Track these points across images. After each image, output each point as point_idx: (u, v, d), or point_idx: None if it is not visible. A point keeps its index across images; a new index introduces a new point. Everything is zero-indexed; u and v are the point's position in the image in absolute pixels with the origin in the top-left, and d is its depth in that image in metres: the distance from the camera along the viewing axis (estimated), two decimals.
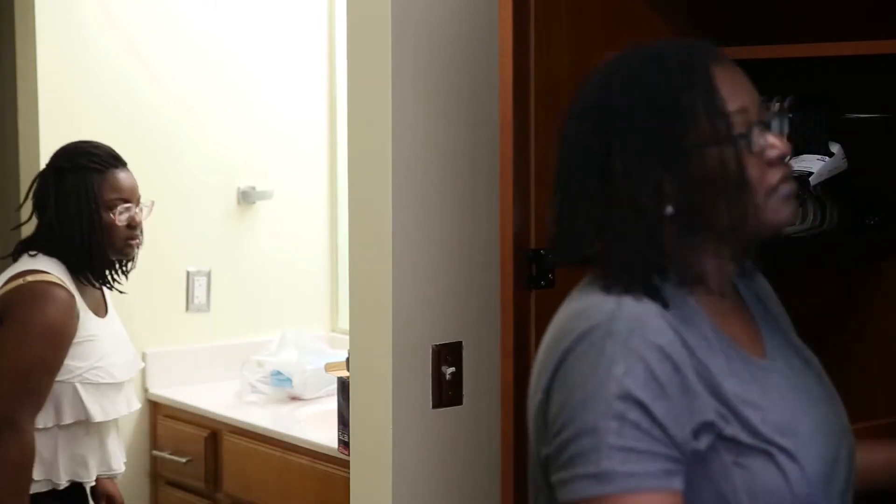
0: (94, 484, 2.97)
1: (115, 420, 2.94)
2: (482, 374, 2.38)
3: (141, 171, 3.73)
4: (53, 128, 3.58)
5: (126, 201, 2.91)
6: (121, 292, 2.97)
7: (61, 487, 2.84)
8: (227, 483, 3.57)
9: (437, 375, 2.36)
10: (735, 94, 1.48)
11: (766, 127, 1.51)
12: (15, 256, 2.90)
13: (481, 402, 2.39)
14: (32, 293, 2.77)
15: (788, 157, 1.52)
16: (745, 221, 1.46)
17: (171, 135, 3.85)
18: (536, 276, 2.14)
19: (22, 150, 3.72)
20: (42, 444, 2.78)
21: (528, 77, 2.10)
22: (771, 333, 1.58)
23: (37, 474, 2.78)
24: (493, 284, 2.17)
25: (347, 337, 2.52)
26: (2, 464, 2.70)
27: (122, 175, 2.93)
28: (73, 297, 2.81)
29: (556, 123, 2.19)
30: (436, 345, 2.35)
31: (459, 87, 2.36)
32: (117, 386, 2.90)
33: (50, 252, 2.85)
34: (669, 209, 1.45)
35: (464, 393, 2.39)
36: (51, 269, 2.82)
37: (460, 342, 2.38)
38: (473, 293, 2.39)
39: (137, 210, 2.93)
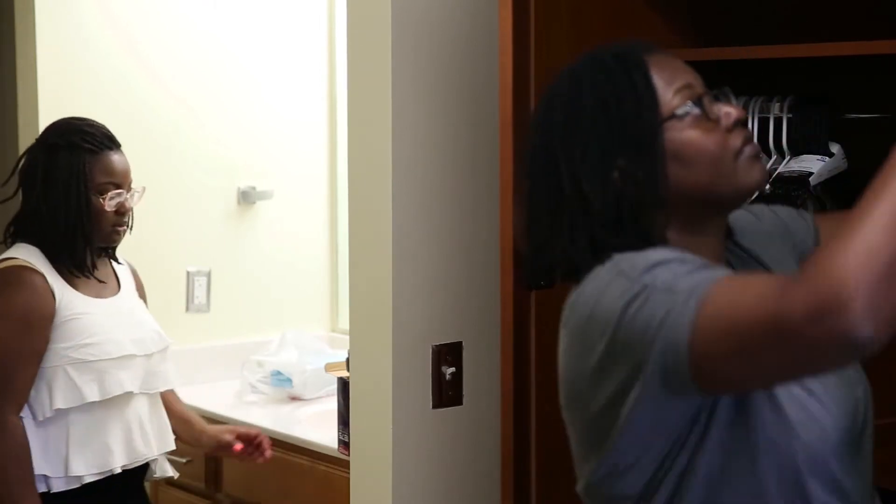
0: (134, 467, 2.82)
1: (146, 398, 2.82)
2: (482, 374, 2.38)
3: (141, 170, 3.73)
4: None
5: (118, 186, 2.78)
6: (100, 281, 2.81)
7: (88, 481, 2.73)
8: (227, 483, 3.57)
9: (437, 375, 2.35)
10: (676, 73, 1.52)
11: (717, 99, 1.54)
12: (5, 241, 2.82)
13: (481, 402, 2.39)
14: (1, 281, 2.68)
15: (746, 121, 1.56)
16: (716, 187, 1.49)
17: (171, 135, 3.85)
18: None
19: (22, 149, 3.71)
20: (50, 437, 2.70)
21: (527, 77, 2.10)
22: None
23: (53, 470, 2.70)
24: (493, 284, 2.17)
25: (347, 337, 2.52)
26: None
27: (115, 158, 2.80)
28: (44, 278, 2.70)
29: None
30: (436, 345, 2.35)
31: (459, 87, 2.36)
32: (119, 361, 2.76)
33: (31, 236, 2.76)
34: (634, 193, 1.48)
35: (464, 393, 2.39)
36: (23, 255, 2.72)
37: (460, 342, 2.38)
38: (473, 293, 2.39)
39: (128, 196, 2.81)
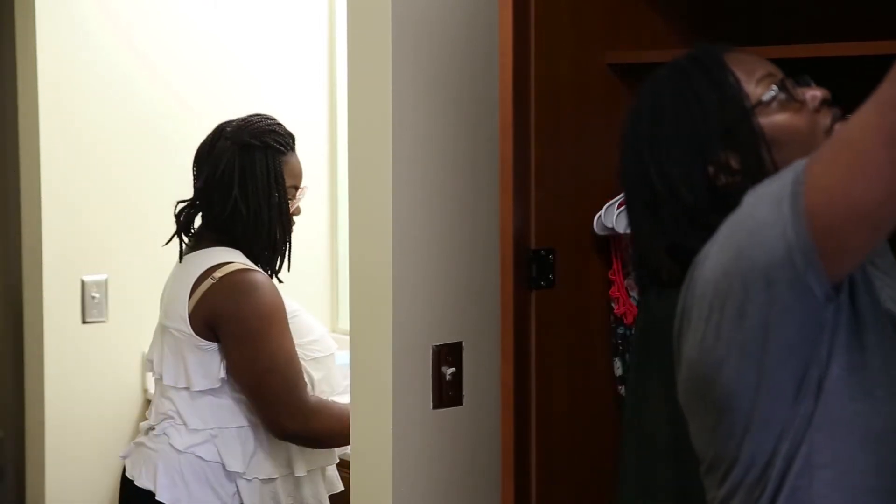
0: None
1: None
2: (482, 374, 2.38)
3: (141, 170, 3.73)
4: (53, 127, 3.58)
5: (297, 188, 2.81)
6: (280, 281, 2.84)
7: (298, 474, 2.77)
8: None
9: (438, 376, 2.35)
10: (756, 65, 1.59)
11: (798, 84, 1.59)
12: (189, 236, 2.78)
13: (482, 402, 2.39)
14: (242, 288, 2.66)
15: (831, 100, 1.59)
16: None
17: (171, 134, 3.85)
18: (537, 276, 2.14)
19: (22, 149, 3.72)
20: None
21: (528, 77, 2.10)
22: None
23: (273, 469, 2.73)
24: (493, 285, 2.17)
25: (348, 337, 2.52)
26: (332, 439, 2.70)
27: (296, 159, 2.80)
28: (267, 277, 2.73)
29: (557, 123, 2.19)
30: (436, 345, 2.35)
31: (460, 87, 2.36)
32: (333, 358, 2.84)
33: (222, 237, 2.73)
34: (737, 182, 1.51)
35: (464, 393, 2.39)
36: (237, 259, 2.70)
37: (461, 342, 2.38)
38: (474, 293, 2.39)
39: (300, 195, 2.83)
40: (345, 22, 2.42)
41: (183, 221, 2.80)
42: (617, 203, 2.18)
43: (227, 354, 2.66)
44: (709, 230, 1.47)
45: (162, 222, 3.52)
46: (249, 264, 2.71)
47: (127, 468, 2.77)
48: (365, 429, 2.39)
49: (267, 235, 2.74)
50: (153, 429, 2.74)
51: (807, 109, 1.56)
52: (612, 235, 2.24)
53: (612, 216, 2.19)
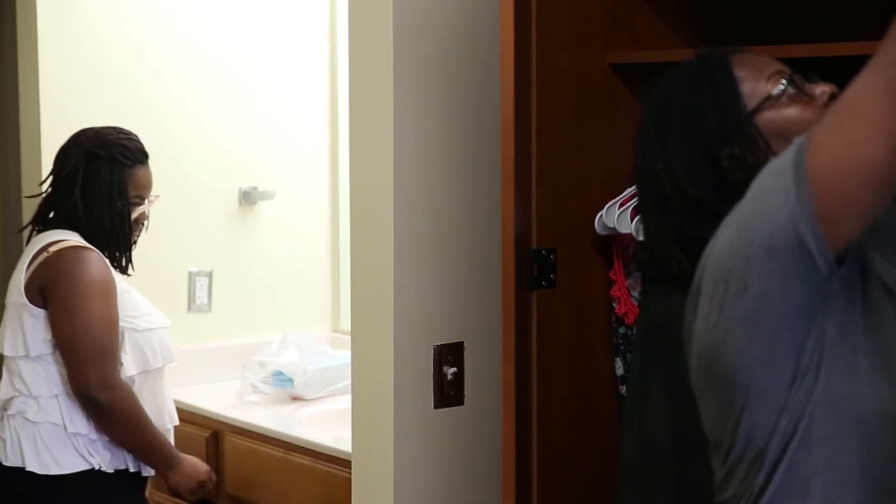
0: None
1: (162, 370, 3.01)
2: (484, 374, 2.38)
3: None
4: (55, 127, 3.58)
5: (143, 198, 2.97)
6: (129, 275, 2.99)
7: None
8: (229, 483, 3.57)
9: (439, 376, 2.36)
10: (765, 63, 1.64)
11: (807, 80, 1.65)
12: (36, 227, 2.95)
13: (483, 402, 2.39)
14: (71, 259, 2.81)
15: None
16: None
17: (173, 135, 3.85)
18: (538, 276, 2.14)
19: (23, 149, 3.72)
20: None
21: (529, 77, 2.10)
22: None
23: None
24: (494, 284, 2.17)
25: (349, 337, 2.52)
26: (125, 423, 2.81)
27: (143, 172, 2.98)
28: (100, 255, 2.86)
29: (558, 123, 2.20)
30: (437, 345, 2.35)
31: (461, 87, 2.36)
32: (165, 331, 2.97)
33: (69, 226, 2.89)
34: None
35: (465, 393, 2.39)
36: (73, 238, 2.86)
37: (462, 342, 2.38)
38: (475, 293, 2.39)
39: (147, 204, 2.99)
40: (346, 22, 2.42)
41: (37, 212, 2.99)
42: (618, 203, 2.18)
43: (50, 318, 2.81)
44: (718, 218, 1.48)
45: (162, 221, 3.52)
46: (83, 243, 2.86)
47: None
48: (366, 428, 2.39)
49: (107, 236, 2.91)
50: (6, 409, 2.86)
51: (815, 104, 1.61)
52: (614, 235, 2.24)
53: (614, 216, 2.19)
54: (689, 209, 1.61)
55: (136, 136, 3.02)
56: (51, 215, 2.95)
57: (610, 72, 2.22)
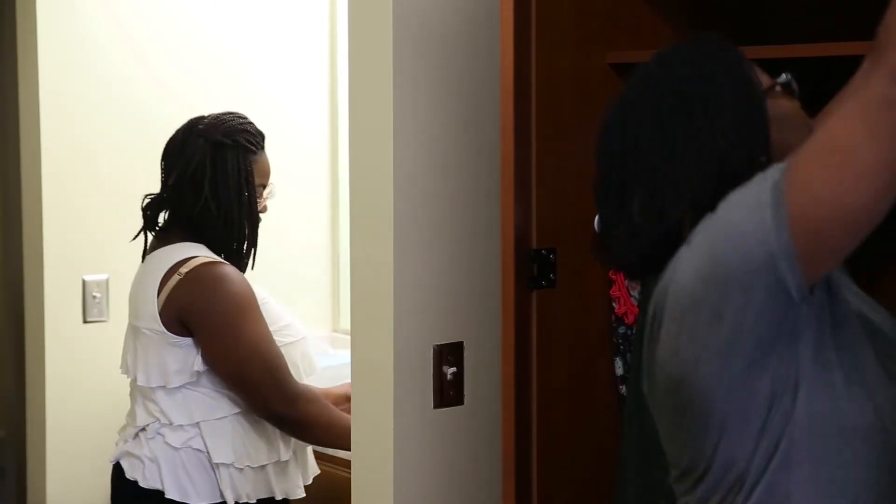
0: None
1: None
2: (483, 374, 2.38)
3: (142, 170, 3.73)
4: (54, 127, 3.58)
5: (265, 187, 2.84)
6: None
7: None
8: None
9: (439, 375, 2.36)
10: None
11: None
12: (155, 231, 2.81)
13: (482, 402, 2.39)
14: (209, 280, 2.69)
15: None
16: None
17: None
18: (538, 275, 2.14)
19: (23, 150, 3.72)
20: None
21: (529, 77, 2.10)
22: None
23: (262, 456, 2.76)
24: (494, 284, 2.17)
25: (349, 337, 2.52)
26: (319, 427, 2.73)
27: (265, 158, 2.84)
28: (235, 269, 2.76)
29: (558, 123, 2.20)
30: (437, 345, 2.35)
31: (460, 87, 2.36)
32: (303, 342, 2.87)
33: (186, 234, 2.76)
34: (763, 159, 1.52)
35: (465, 393, 2.39)
36: (202, 253, 2.73)
37: (462, 342, 2.38)
38: (475, 293, 2.39)
39: (268, 192, 2.87)
40: (346, 21, 2.42)
41: (150, 217, 2.84)
42: None
43: (205, 349, 2.68)
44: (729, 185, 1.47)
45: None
46: (214, 257, 2.74)
47: (126, 471, 2.77)
48: (366, 428, 2.39)
49: (237, 233, 2.77)
50: (144, 430, 2.75)
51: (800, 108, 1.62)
52: None
53: None
54: (686, 193, 1.53)
55: (252, 122, 2.88)
56: (161, 218, 2.79)
57: (610, 72, 2.22)
